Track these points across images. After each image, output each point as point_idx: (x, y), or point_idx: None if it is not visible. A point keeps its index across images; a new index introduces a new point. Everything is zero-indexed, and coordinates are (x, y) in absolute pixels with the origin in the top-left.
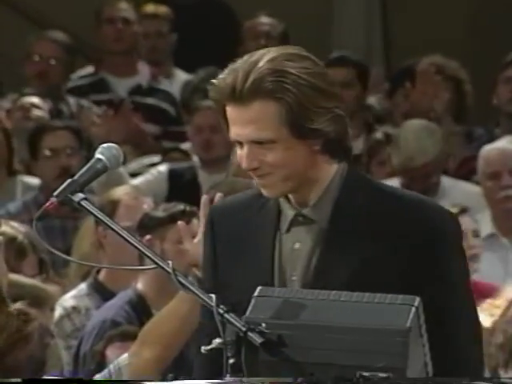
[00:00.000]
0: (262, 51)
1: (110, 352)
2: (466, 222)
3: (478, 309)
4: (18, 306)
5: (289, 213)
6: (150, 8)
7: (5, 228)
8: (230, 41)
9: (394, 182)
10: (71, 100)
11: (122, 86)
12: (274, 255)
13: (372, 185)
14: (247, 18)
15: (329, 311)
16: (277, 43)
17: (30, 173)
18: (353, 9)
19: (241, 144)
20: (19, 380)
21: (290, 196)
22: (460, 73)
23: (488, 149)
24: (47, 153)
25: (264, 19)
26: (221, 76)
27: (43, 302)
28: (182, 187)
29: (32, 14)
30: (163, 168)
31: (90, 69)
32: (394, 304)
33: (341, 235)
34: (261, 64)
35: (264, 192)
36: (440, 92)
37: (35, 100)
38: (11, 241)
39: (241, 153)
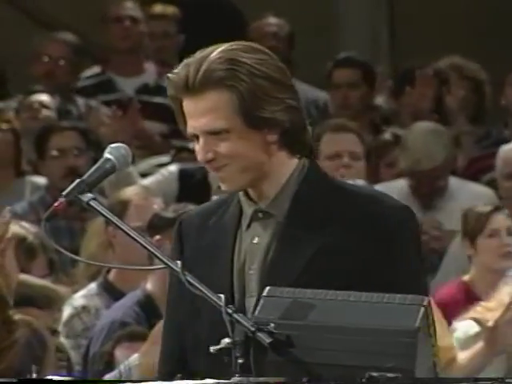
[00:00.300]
0: (215, 46)
1: (118, 352)
2: (500, 221)
3: (471, 312)
4: (10, 313)
5: (249, 210)
6: (157, 8)
7: (15, 228)
8: (237, 41)
9: (401, 184)
10: (80, 101)
11: (128, 86)
12: (233, 252)
13: (331, 181)
14: (254, 19)
15: (337, 312)
16: (284, 44)
17: (37, 173)
18: (359, 9)
19: (197, 138)
20: (17, 380)
21: (250, 192)
22: (479, 74)
23: (507, 149)
24: (54, 153)
25: (271, 20)
26: (175, 71)
27: (53, 302)
28: (192, 187)
29: (39, 15)
30: (173, 168)
31: (96, 69)
32: (403, 304)
33: (297, 229)
34: (213, 54)
35: (223, 187)
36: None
37: (44, 98)
38: (21, 241)
39: (197, 147)
